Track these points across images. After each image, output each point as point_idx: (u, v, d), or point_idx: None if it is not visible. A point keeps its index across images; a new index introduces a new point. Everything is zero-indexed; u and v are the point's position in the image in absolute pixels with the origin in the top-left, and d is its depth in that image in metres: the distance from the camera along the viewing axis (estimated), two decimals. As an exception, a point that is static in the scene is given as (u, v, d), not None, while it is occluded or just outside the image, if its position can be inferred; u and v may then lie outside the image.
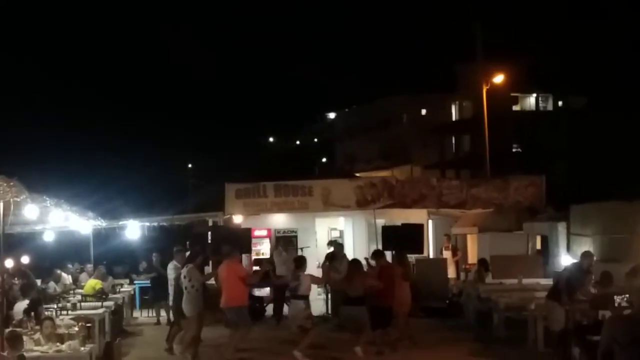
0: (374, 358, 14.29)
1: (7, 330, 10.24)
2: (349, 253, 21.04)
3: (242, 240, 20.05)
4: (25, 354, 9.91)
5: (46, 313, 13.17)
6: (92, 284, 17.62)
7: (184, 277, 14.09)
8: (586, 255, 14.55)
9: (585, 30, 48.86)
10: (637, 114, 41.45)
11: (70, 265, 21.24)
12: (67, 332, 11.46)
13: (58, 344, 10.93)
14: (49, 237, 20.35)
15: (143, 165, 62.97)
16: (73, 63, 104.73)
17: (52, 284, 18.19)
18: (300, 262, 14.69)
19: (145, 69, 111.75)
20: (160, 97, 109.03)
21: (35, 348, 10.67)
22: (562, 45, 46.88)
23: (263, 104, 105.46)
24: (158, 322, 19.66)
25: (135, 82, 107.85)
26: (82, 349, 10.82)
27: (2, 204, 10.84)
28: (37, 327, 11.47)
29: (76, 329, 11.67)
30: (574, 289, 13.48)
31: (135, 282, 22.25)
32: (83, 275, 20.46)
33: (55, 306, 14.69)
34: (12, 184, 10.32)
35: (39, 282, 17.96)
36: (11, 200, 10.91)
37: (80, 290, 18.02)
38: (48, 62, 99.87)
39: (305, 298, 14.21)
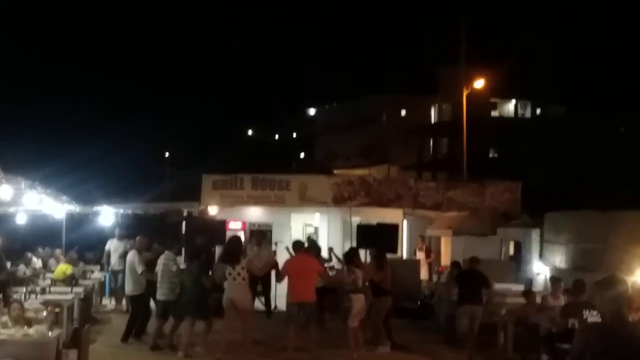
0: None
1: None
2: (323, 251, 21.01)
3: (217, 232, 19.97)
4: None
5: (15, 296, 13.03)
6: (62, 268, 17.47)
7: (242, 268, 13.79)
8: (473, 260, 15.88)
9: (566, 41, 49.18)
10: (614, 126, 41.82)
11: (40, 249, 21.05)
12: (35, 316, 11.34)
13: (25, 327, 10.80)
14: (21, 219, 20.16)
15: (118, 149, 62.72)
16: (49, 41, 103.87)
17: (22, 267, 18.03)
18: (353, 256, 14.89)
19: (124, 54, 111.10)
20: (140, 84, 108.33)
21: (2, 331, 10.54)
22: (542, 54, 47.10)
23: (244, 97, 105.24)
24: (127, 311, 19.52)
25: (115, 67, 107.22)
26: (50, 333, 10.69)
27: (-25, 183, 10.73)
28: (5, 310, 11.33)
29: (44, 313, 11.54)
30: None
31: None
32: (52, 260, 20.29)
33: (24, 289, 14.55)
34: (-14, 163, 10.21)
35: (8, 264, 17.79)
36: (-15, 180, 10.81)
37: (50, 275, 17.86)
38: (23, 39, 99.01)
39: (362, 291, 14.37)
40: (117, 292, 20.16)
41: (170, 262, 14.81)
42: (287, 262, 14.77)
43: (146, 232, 18.04)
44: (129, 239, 19.91)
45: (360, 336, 14.39)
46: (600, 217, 17.11)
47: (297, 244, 15.02)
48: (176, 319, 14.73)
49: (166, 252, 15.05)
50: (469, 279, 15.34)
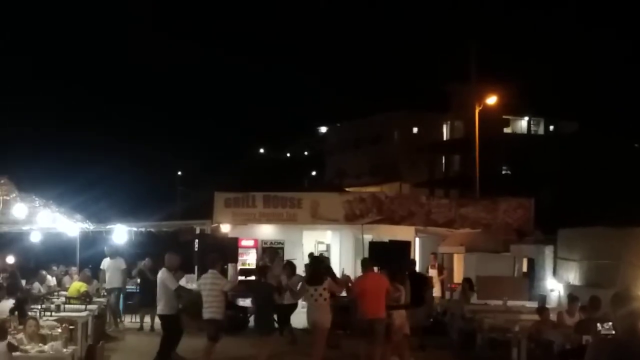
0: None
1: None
2: (335, 268, 21.02)
3: (229, 249, 20.00)
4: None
5: (30, 314, 13.09)
6: (76, 286, 17.54)
7: (324, 289, 13.94)
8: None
9: (578, 57, 49.23)
10: (626, 142, 41.74)
11: (55, 268, 21.14)
12: (50, 333, 11.41)
13: (40, 344, 10.88)
14: (35, 237, 20.28)
15: (131, 168, 62.98)
16: (62, 61, 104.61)
17: (36, 284, 18.13)
18: (398, 273, 15.32)
19: (137, 72, 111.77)
20: (152, 104, 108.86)
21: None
22: (555, 71, 47.17)
23: (255, 115, 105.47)
24: (141, 328, 19.56)
25: (128, 87, 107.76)
26: (65, 350, 10.77)
27: (-9, 202, 10.83)
28: (21, 327, 11.40)
29: (59, 330, 11.61)
30: None
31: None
32: (66, 278, 20.37)
33: (39, 307, 14.61)
34: (2, 182, 10.30)
35: (23, 282, 17.90)
36: (0, 198, 10.90)
37: (64, 293, 17.93)
38: (37, 60, 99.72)
39: (405, 308, 14.84)
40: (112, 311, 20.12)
41: (219, 281, 14.60)
42: (360, 280, 14.95)
43: (160, 250, 18.05)
44: (135, 258, 20.05)
45: (404, 349, 14.83)
46: (613, 234, 17.05)
47: (365, 262, 15.24)
48: (216, 339, 14.51)
49: (211, 271, 14.71)
50: (416, 282, 16.66)
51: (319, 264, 14.99)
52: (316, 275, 14.28)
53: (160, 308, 15.04)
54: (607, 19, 58.57)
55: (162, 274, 15.03)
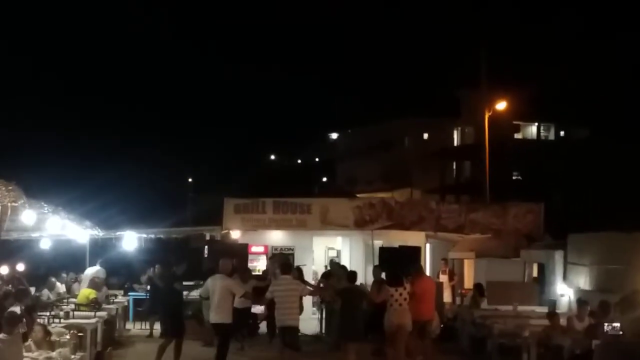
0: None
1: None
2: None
3: (239, 256, 19.97)
4: None
5: (39, 321, 13.10)
6: (86, 293, 17.54)
7: (408, 292, 14.24)
8: None
9: (589, 63, 49.03)
10: (637, 148, 41.54)
11: (64, 275, 21.17)
12: (58, 339, 11.42)
13: (49, 351, 10.88)
14: (45, 244, 20.29)
15: (141, 174, 62.98)
16: (72, 67, 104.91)
17: (45, 291, 18.15)
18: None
19: (147, 78, 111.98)
20: (162, 110, 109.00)
21: (26, 354, 10.60)
22: (565, 76, 46.92)
23: (266, 121, 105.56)
24: (151, 335, 19.56)
25: (138, 92, 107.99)
26: (72, 357, 10.79)
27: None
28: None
29: (67, 337, 11.62)
30: None
31: (130, 293, 22.17)
32: (76, 285, 20.40)
33: (48, 314, 14.61)
34: (10, 188, 10.31)
35: (32, 290, 17.89)
36: (9, 204, 10.91)
37: (74, 300, 17.94)
38: (46, 66, 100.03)
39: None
40: None
41: (296, 286, 14.09)
42: (421, 283, 15.13)
43: (170, 257, 18.05)
44: (145, 265, 20.04)
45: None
46: (623, 238, 17.01)
47: (420, 268, 15.81)
48: (297, 347, 13.96)
49: (283, 277, 14.09)
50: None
51: (395, 266, 15.30)
52: (397, 277, 14.49)
53: (220, 316, 14.10)
54: (618, 24, 58.37)
55: (224, 281, 14.12)
